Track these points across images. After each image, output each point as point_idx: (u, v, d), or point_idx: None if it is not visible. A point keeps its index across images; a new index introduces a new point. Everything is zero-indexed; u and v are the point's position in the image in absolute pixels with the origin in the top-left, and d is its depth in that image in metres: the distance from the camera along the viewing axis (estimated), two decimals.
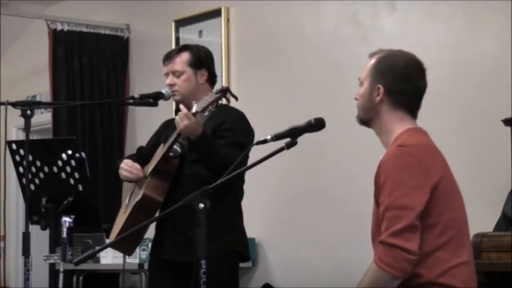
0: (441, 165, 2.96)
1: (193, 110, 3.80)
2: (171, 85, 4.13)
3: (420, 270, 2.85)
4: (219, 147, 3.93)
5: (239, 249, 4.11)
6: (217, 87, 4.07)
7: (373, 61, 3.05)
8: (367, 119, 3.06)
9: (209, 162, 3.91)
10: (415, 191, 2.83)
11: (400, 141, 2.95)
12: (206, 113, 3.82)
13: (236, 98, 3.91)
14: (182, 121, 3.83)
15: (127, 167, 4.12)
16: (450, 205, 2.92)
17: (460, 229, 2.94)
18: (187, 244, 3.90)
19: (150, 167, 4.07)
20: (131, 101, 4.31)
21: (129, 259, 5.75)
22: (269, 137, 3.03)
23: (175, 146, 4.00)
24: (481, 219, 3.44)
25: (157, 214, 4.03)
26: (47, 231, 4.13)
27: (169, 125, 4.24)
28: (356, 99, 3.09)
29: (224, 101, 3.93)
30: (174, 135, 3.94)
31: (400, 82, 2.99)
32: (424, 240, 2.84)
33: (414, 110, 3.04)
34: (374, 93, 3.01)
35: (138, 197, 4.00)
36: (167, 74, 4.17)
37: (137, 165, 4.13)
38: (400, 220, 2.80)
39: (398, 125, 3.00)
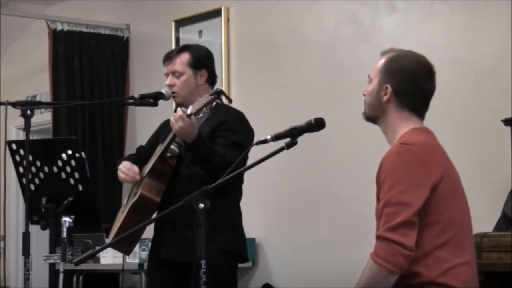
0: (443, 163, 2.96)
1: (188, 112, 3.81)
2: (171, 86, 4.13)
3: (419, 269, 2.85)
4: (216, 148, 3.92)
5: (237, 250, 4.10)
6: (217, 87, 4.08)
7: (383, 60, 3.05)
8: (373, 116, 3.07)
9: (206, 163, 3.91)
10: (414, 188, 2.84)
11: (403, 139, 2.96)
12: (200, 115, 3.83)
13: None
14: (176, 123, 3.83)
15: (124, 169, 4.12)
16: (451, 204, 2.92)
17: (461, 229, 2.95)
18: (184, 244, 3.91)
19: (148, 167, 4.07)
20: (131, 101, 4.30)
21: (129, 259, 5.74)
22: (269, 137, 3.03)
23: (172, 146, 4.00)
24: (481, 219, 3.43)
25: (155, 214, 4.03)
26: (47, 231, 4.13)
27: (168, 124, 4.24)
28: (364, 95, 3.09)
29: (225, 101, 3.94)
30: (170, 136, 3.94)
31: (408, 83, 2.99)
32: (423, 238, 2.85)
33: (420, 111, 3.04)
34: (381, 92, 3.01)
35: (135, 197, 4.00)
36: (167, 74, 4.17)
37: (135, 168, 4.12)
38: (397, 216, 2.81)
39: (403, 124, 3.00)
